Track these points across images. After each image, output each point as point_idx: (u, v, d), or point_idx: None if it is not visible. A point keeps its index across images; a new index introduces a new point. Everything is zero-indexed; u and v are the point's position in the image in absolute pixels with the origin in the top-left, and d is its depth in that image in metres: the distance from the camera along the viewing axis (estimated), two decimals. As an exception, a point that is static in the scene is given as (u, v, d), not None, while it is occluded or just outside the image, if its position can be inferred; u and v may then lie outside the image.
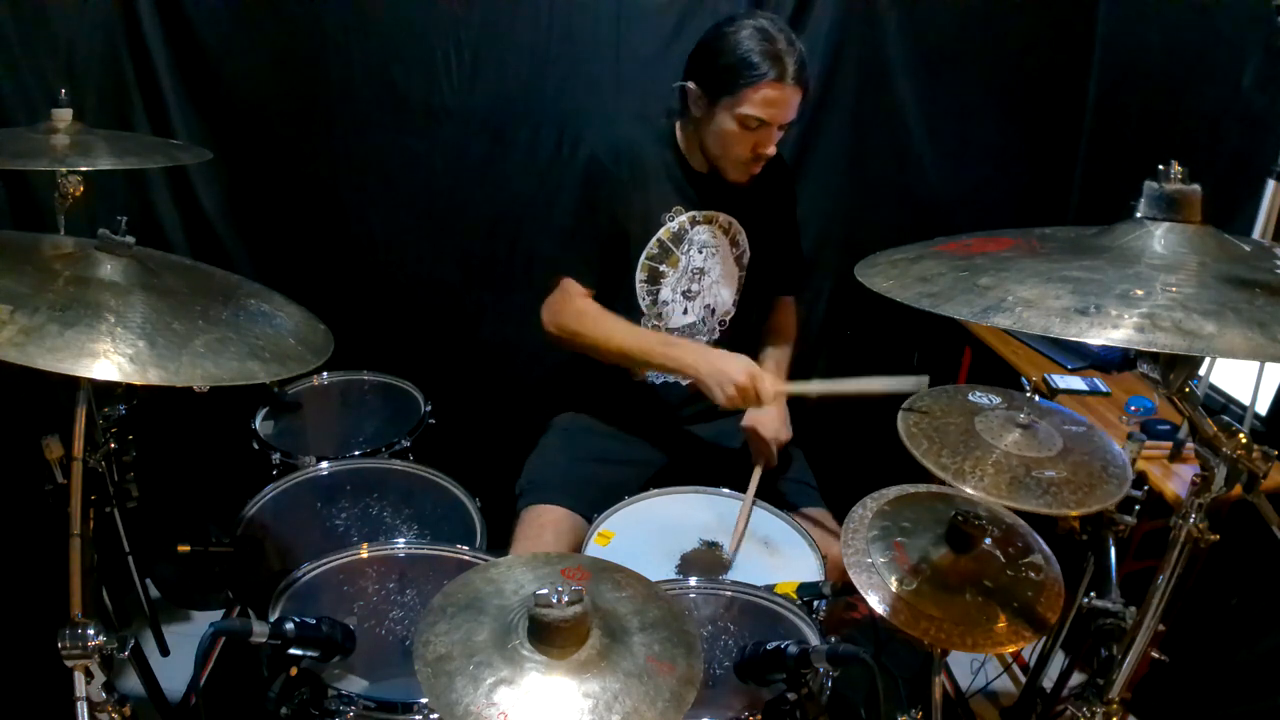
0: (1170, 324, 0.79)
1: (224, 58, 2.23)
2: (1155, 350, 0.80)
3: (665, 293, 1.87)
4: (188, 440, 2.35)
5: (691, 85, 1.72)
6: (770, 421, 1.85)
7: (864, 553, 1.29)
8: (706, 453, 1.94)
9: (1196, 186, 0.96)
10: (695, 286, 1.88)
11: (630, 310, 1.85)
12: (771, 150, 1.73)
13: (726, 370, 1.68)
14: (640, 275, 1.84)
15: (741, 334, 1.98)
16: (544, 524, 1.72)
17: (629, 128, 1.90)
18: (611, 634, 1.03)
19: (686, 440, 1.97)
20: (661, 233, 1.82)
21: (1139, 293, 0.84)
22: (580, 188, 1.82)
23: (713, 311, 1.93)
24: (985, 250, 1.02)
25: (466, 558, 1.49)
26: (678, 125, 1.82)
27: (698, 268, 1.87)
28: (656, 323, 1.89)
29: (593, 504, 1.74)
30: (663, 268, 1.85)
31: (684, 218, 1.82)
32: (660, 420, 1.96)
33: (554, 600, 0.97)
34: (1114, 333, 0.80)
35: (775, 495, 1.79)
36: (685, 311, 1.90)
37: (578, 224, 1.83)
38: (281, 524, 1.65)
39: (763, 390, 1.67)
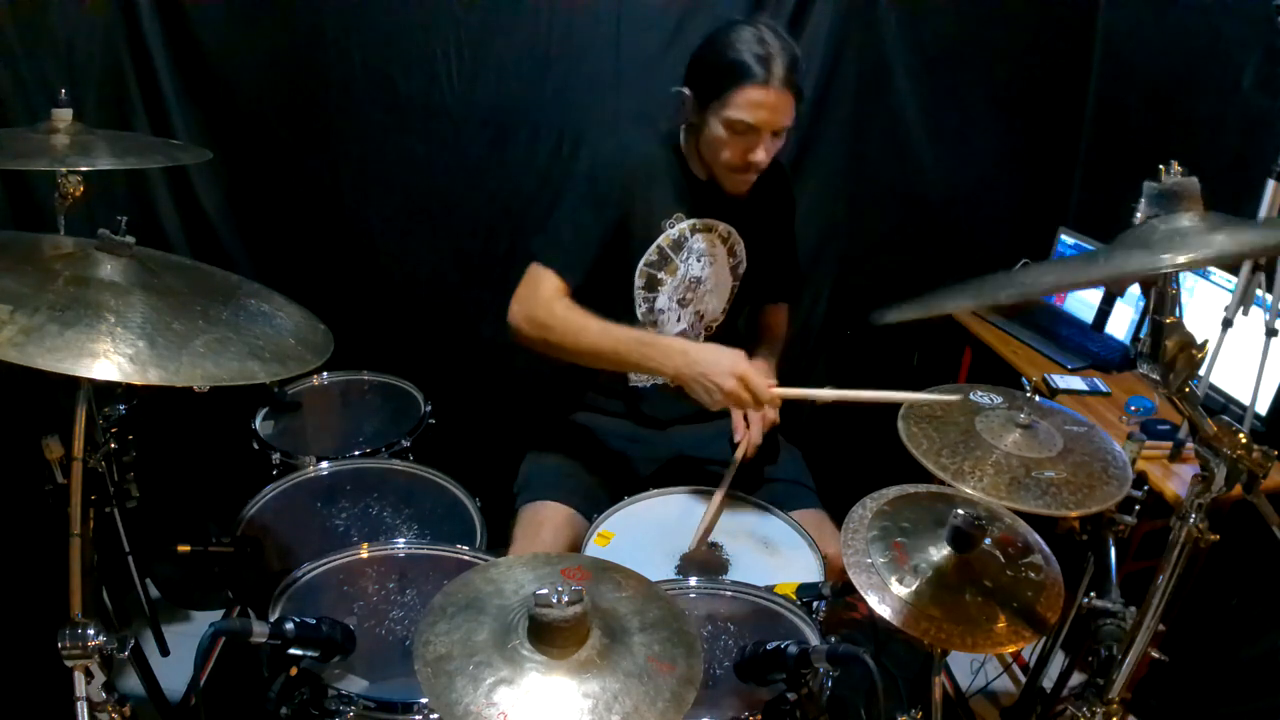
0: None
1: (224, 58, 2.24)
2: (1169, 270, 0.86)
3: (662, 300, 1.84)
4: (188, 440, 2.35)
5: (686, 91, 1.69)
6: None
7: (864, 553, 1.28)
8: (698, 456, 1.91)
9: (1194, 178, 0.96)
10: (690, 295, 1.87)
11: (626, 317, 1.81)
12: (762, 157, 1.65)
13: (711, 373, 1.60)
14: (638, 282, 1.82)
15: (727, 341, 1.90)
16: (541, 521, 1.72)
17: (635, 131, 1.87)
18: (611, 634, 1.03)
19: (678, 445, 1.94)
20: (661, 239, 1.79)
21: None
22: (583, 188, 1.76)
23: (701, 318, 1.91)
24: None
25: (466, 558, 1.49)
26: (683, 130, 1.78)
27: (695, 276, 1.84)
28: (650, 329, 1.86)
29: (590, 501, 1.73)
30: (661, 275, 1.82)
31: (684, 225, 1.80)
32: (651, 424, 1.94)
33: (554, 600, 0.97)
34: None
35: (771, 496, 1.78)
36: (679, 319, 1.88)
37: (572, 220, 1.75)
38: (281, 524, 1.65)
39: (757, 391, 1.59)
